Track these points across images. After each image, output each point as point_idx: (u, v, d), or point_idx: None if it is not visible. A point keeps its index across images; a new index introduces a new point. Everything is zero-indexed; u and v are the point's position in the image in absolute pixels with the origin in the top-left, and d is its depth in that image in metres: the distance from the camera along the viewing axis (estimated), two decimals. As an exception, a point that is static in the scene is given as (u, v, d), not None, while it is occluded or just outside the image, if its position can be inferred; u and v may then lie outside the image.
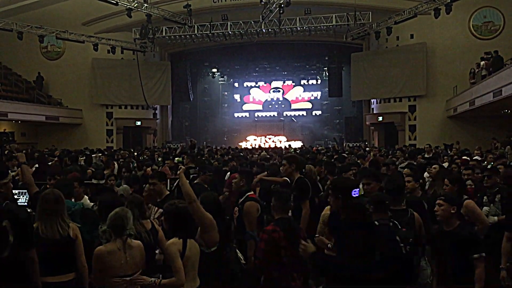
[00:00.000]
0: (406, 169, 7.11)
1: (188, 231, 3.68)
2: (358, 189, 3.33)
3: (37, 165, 9.38)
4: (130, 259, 3.46)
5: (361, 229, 3.03)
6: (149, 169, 8.61)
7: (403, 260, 3.31)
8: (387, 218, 3.78)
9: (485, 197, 5.59)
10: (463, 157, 10.01)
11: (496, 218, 5.17)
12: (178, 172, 4.15)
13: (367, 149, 16.63)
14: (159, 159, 13.01)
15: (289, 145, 23.35)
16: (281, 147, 21.59)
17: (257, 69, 31.07)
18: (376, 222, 3.53)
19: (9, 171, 8.09)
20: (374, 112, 24.88)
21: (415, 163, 8.92)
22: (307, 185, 5.60)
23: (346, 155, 10.87)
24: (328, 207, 4.73)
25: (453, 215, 3.86)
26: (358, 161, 10.23)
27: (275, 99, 31.99)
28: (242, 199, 5.13)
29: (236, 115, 32.13)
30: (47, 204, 3.79)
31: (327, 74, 27.78)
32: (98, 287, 3.53)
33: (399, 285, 3.11)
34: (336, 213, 3.86)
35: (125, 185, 6.81)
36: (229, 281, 3.95)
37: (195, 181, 6.31)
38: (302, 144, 26.01)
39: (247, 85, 32.27)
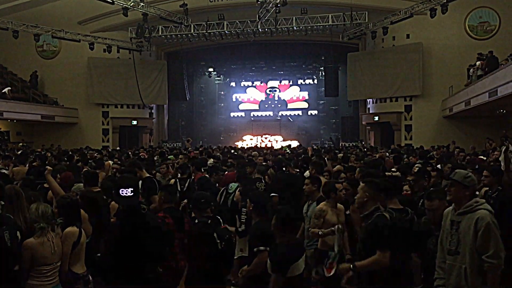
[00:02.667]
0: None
1: (81, 220, 4.01)
2: (129, 188, 3.32)
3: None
4: (57, 249, 3.75)
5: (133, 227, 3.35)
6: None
7: (218, 254, 3.59)
8: (207, 216, 4.07)
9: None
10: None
11: None
12: (45, 172, 4.44)
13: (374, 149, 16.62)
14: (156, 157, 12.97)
15: (289, 145, 23.28)
16: (272, 147, 21.68)
17: (253, 68, 31.08)
18: (196, 220, 4.04)
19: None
20: (370, 112, 24.92)
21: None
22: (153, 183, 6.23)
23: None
24: (323, 202, 4.96)
25: None
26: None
27: (271, 98, 31.99)
28: None
29: (232, 114, 32.10)
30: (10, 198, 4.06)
31: (323, 73, 27.79)
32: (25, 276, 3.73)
33: (214, 276, 3.52)
34: None
35: (79, 184, 6.43)
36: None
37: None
38: (298, 143, 26.00)
39: (243, 85, 32.24)
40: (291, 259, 3.50)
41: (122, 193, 3.29)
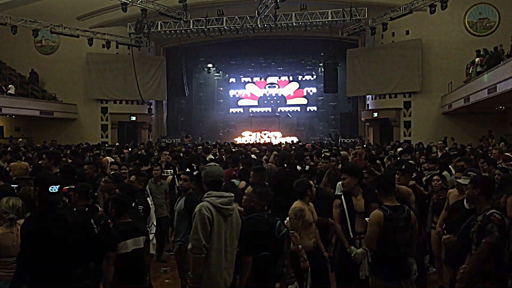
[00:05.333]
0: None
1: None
2: (57, 185, 3.48)
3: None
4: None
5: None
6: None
7: (92, 239, 3.76)
8: (86, 205, 4.48)
9: None
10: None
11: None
12: None
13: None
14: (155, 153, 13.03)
15: (292, 141, 23.26)
16: (271, 143, 21.77)
17: (252, 64, 31.02)
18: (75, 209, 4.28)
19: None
20: (369, 108, 24.91)
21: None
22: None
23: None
24: (297, 201, 4.88)
25: None
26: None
27: (270, 94, 31.96)
28: None
29: (231, 110, 32.07)
30: None
31: (323, 70, 27.71)
32: None
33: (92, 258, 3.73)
34: None
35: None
36: None
37: None
38: (297, 139, 26.00)
39: (242, 81, 32.19)
40: (119, 238, 4.06)
41: (52, 190, 3.44)
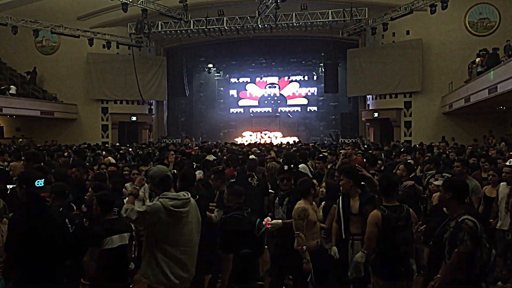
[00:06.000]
0: (401, 166, 7.19)
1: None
2: (42, 179, 3.58)
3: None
4: (2, 244, 3.86)
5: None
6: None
7: (68, 238, 3.84)
8: (59, 205, 4.39)
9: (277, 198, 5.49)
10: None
11: (280, 221, 5.04)
12: None
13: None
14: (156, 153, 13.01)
15: (294, 141, 23.24)
16: (271, 143, 21.75)
17: (253, 64, 31.03)
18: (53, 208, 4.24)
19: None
20: (370, 108, 24.90)
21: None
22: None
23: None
24: (300, 201, 4.84)
25: None
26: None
27: (271, 94, 31.95)
28: None
29: (232, 110, 32.05)
30: None
31: (323, 70, 27.74)
32: None
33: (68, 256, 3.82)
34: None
35: None
36: None
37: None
38: (298, 139, 25.99)
39: (243, 81, 32.17)
40: (104, 234, 4.10)
41: (38, 184, 3.51)
